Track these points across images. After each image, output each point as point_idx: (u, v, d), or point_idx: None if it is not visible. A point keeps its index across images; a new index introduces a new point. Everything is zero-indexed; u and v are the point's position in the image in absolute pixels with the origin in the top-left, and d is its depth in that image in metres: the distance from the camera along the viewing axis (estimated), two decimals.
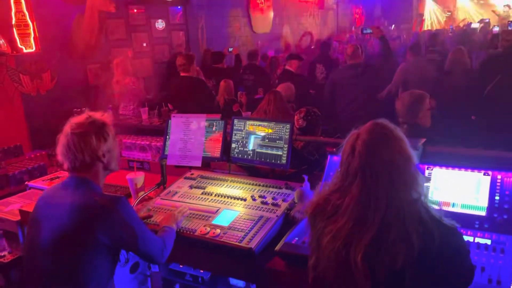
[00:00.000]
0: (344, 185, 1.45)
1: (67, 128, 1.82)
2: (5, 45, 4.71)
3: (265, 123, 2.57)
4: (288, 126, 2.49)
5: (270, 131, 2.53)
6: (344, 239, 1.39)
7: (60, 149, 1.82)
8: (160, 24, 7.48)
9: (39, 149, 3.86)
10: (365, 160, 1.40)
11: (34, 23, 4.96)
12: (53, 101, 5.23)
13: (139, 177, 2.59)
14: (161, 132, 2.92)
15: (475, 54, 7.02)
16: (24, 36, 4.90)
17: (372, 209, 1.38)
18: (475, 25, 12.25)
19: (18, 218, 2.57)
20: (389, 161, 1.39)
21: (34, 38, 4.98)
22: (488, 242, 1.79)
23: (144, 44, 7.18)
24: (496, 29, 10.42)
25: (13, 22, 4.80)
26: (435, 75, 5.30)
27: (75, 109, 3.75)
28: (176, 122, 2.77)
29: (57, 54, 5.43)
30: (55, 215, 1.78)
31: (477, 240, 1.82)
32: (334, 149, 2.33)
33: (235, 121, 2.66)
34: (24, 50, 4.93)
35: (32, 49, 4.99)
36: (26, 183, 3.11)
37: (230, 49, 7.44)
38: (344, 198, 1.43)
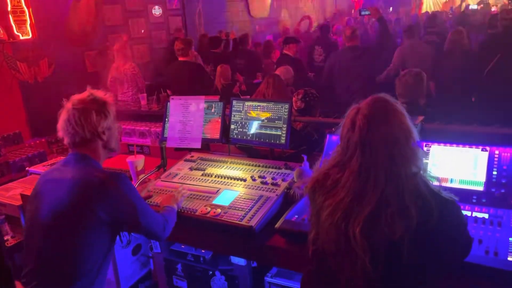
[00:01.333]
0: (344, 160, 1.45)
1: (69, 104, 1.83)
2: (2, 32, 4.67)
3: (264, 104, 2.57)
4: (286, 106, 2.49)
5: (268, 115, 2.53)
6: (343, 212, 1.39)
7: (60, 124, 1.83)
8: (157, 11, 7.42)
9: (38, 136, 3.86)
10: (365, 134, 1.39)
11: (30, 9, 4.92)
12: (51, 88, 5.20)
13: (139, 160, 2.60)
14: (160, 117, 2.92)
15: (475, 35, 6.98)
16: (20, 22, 4.86)
17: (371, 183, 1.38)
18: (474, 6, 12.14)
19: (20, 202, 2.59)
20: (389, 135, 1.39)
21: (30, 24, 4.94)
22: (486, 216, 1.81)
23: (142, 31, 7.12)
24: (495, 9, 10.33)
25: (9, 8, 4.76)
26: (434, 57, 5.28)
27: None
28: (175, 105, 2.77)
29: (54, 41, 5.38)
30: (55, 190, 1.78)
31: (475, 214, 1.83)
32: (333, 129, 2.33)
33: (234, 102, 2.66)
34: (21, 37, 4.89)
35: (29, 36, 4.96)
36: (26, 168, 3.12)
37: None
38: (344, 172, 1.43)
